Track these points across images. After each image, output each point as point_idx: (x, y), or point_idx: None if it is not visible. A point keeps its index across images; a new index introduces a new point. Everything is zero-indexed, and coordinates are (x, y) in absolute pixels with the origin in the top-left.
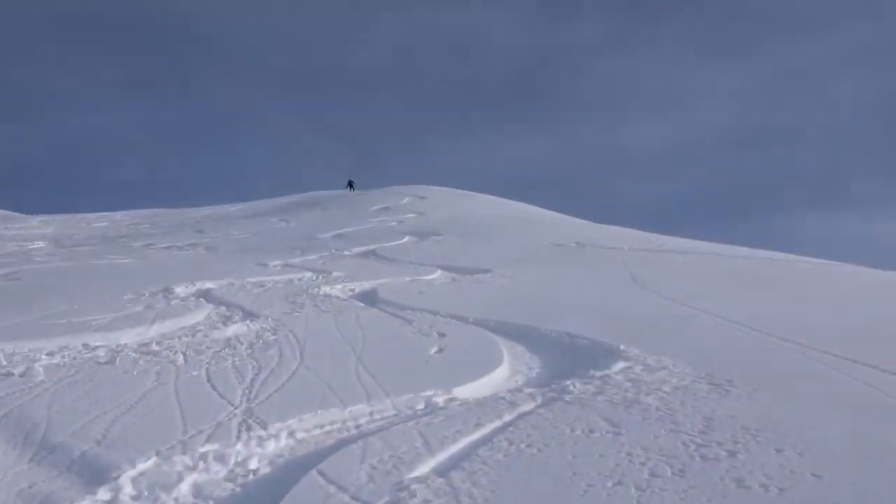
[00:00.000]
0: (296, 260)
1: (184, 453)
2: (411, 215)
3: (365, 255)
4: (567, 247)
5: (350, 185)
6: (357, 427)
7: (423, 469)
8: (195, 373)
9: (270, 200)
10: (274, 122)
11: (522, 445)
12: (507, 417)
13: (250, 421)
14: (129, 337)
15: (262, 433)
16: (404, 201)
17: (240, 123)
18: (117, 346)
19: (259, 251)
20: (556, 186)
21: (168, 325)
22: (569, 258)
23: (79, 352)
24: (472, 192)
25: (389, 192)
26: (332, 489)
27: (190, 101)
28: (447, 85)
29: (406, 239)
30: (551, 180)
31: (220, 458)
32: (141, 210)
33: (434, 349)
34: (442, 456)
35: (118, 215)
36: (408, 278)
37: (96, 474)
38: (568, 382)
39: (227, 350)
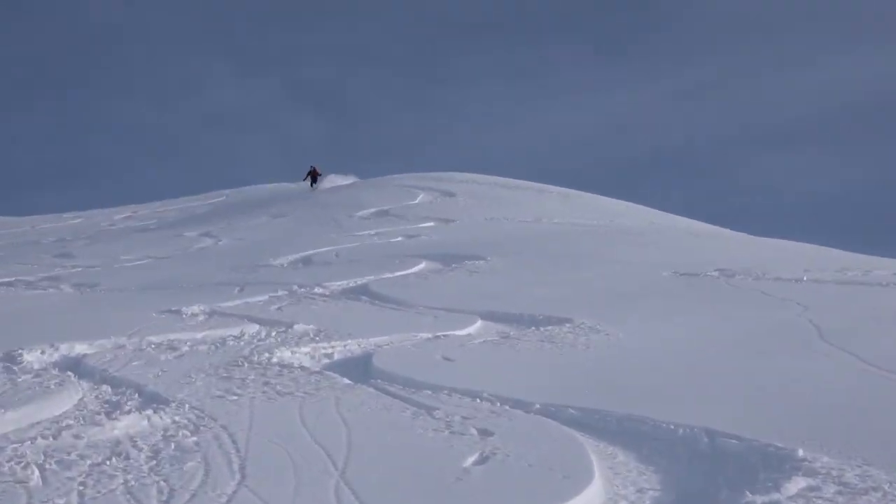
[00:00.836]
0: (231, 303)
1: None
2: (429, 224)
3: (350, 293)
4: (702, 277)
5: (312, 177)
6: None
7: None
8: (59, 501)
9: (184, 201)
10: (185, 64)
11: None
12: None
13: None
14: None
15: None
16: (417, 200)
17: (126, 65)
18: None
19: (167, 289)
20: (680, 173)
21: (12, 419)
22: (705, 297)
23: None
24: (532, 184)
25: (392, 184)
26: None
27: (38, 25)
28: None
29: (422, 265)
30: (670, 163)
31: None
32: None
33: (472, 458)
34: None
35: None
36: (425, 334)
37: None
38: None
39: (114, 461)
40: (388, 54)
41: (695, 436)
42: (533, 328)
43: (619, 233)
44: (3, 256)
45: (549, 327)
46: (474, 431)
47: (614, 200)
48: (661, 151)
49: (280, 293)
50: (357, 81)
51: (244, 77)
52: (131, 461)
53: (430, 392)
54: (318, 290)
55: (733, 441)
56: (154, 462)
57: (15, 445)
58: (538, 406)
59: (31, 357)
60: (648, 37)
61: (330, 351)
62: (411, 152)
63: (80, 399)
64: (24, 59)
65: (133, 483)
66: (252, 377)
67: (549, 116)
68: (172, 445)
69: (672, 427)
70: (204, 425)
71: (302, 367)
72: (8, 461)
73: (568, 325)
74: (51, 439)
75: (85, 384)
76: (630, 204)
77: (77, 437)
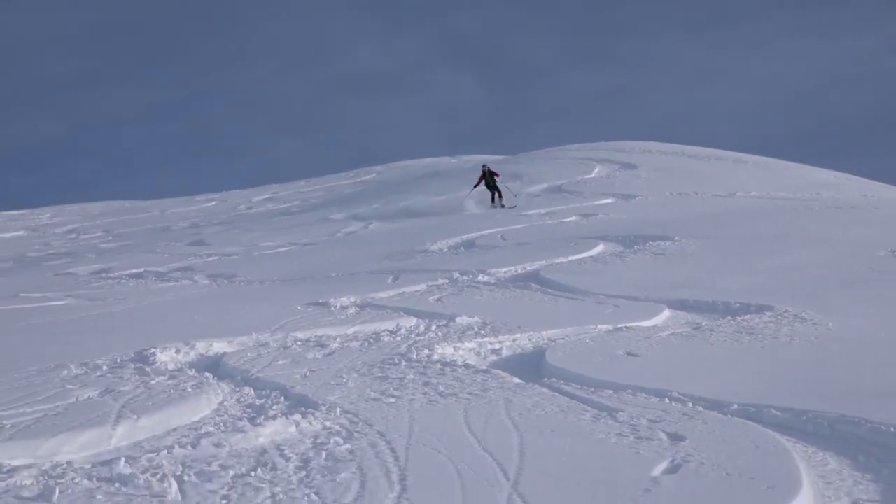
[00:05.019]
0: (385, 294)
1: None
2: (607, 201)
3: (519, 281)
4: None
5: (487, 181)
6: None
7: None
8: None
9: (330, 180)
10: (322, 22)
11: None
12: None
13: None
14: (74, 450)
15: None
16: (593, 174)
17: (256, 27)
18: (54, 467)
19: (313, 279)
20: None
21: (146, 426)
22: None
23: None
24: (726, 153)
25: (564, 156)
26: None
27: None
28: None
29: (600, 248)
30: (892, 125)
31: None
32: (86, 204)
33: (662, 466)
34: None
35: (43, 215)
36: (605, 326)
37: None
38: None
39: (259, 472)
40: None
41: None
42: (728, 318)
43: (827, 208)
44: (130, 245)
45: (748, 316)
46: (664, 436)
47: (822, 170)
48: (881, 111)
49: (440, 282)
50: (517, 34)
51: (387, 34)
52: (278, 472)
53: (611, 392)
54: (482, 277)
55: None
56: (304, 473)
57: (150, 455)
58: (736, 406)
59: (165, 357)
60: None
61: (497, 346)
62: (584, 118)
63: (220, 403)
64: (137, 22)
65: (281, 496)
66: (411, 377)
67: (746, 72)
68: (324, 454)
69: (893, 430)
70: (358, 431)
71: (466, 365)
72: (143, 473)
73: (769, 313)
74: (189, 448)
75: (225, 386)
76: (841, 174)
77: (218, 445)
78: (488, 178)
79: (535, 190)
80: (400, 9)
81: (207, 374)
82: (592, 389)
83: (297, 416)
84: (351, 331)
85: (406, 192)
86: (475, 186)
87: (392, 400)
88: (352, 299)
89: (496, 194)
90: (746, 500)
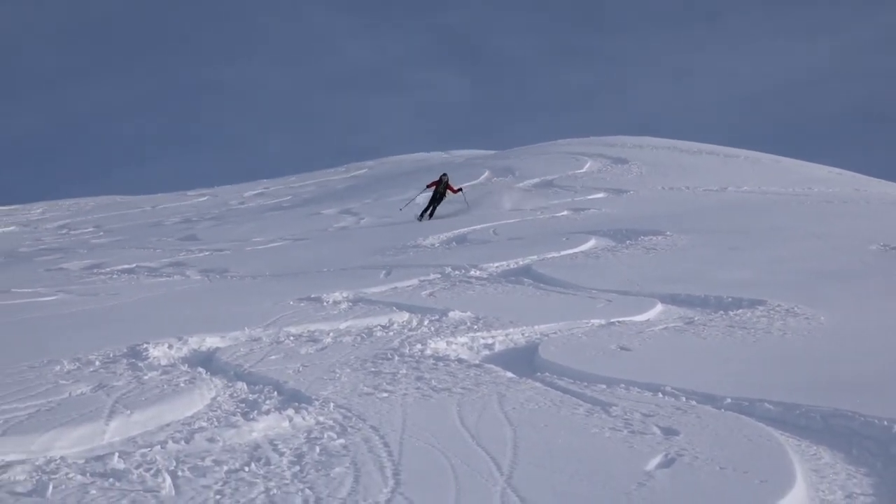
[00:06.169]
0: (377, 289)
1: None
2: (599, 195)
3: (512, 275)
4: None
5: (437, 189)
6: None
7: None
8: None
9: (321, 175)
10: (311, 18)
11: None
12: None
13: None
14: (67, 444)
15: None
16: (584, 169)
17: (244, 22)
18: (48, 462)
19: (305, 274)
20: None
21: (140, 421)
22: None
23: None
24: (717, 147)
25: (554, 150)
26: None
27: None
28: None
29: (592, 243)
30: (884, 119)
31: None
32: (78, 200)
33: (656, 460)
34: None
35: (35, 209)
36: (598, 321)
37: None
38: None
39: (253, 467)
40: None
41: None
42: (721, 312)
43: (819, 202)
44: (122, 241)
45: (740, 311)
46: (657, 430)
47: (814, 165)
48: (872, 106)
49: (432, 277)
50: (505, 30)
51: (376, 31)
52: (272, 467)
53: (604, 386)
54: (474, 272)
55: None
56: (297, 468)
57: (144, 450)
58: (729, 401)
59: (158, 352)
60: None
61: (490, 341)
62: (574, 113)
63: (214, 398)
64: (128, 16)
65: (275, 491)
66: (403, 371)
67: (737, 67)
68: (317, 449)
69: (886, 423)
70: (352, 426)
71: (459, 360)
72: (136, 468)
73: (761, 308)
74: (183, 443)
75: (218, 381)
76: (833, 169)
77: (211, 440)
78: (440, 187)
79: (527, 185)
80: (388, 6)
81: (200, 370)
82: (585, 384)
83: (291, 411)
84: (343, 326)
85: (398, 187)
86: (427, 188)
87: (385, 395)
88: (344, 294)
89: (433, 208)
90: (740, 495)
